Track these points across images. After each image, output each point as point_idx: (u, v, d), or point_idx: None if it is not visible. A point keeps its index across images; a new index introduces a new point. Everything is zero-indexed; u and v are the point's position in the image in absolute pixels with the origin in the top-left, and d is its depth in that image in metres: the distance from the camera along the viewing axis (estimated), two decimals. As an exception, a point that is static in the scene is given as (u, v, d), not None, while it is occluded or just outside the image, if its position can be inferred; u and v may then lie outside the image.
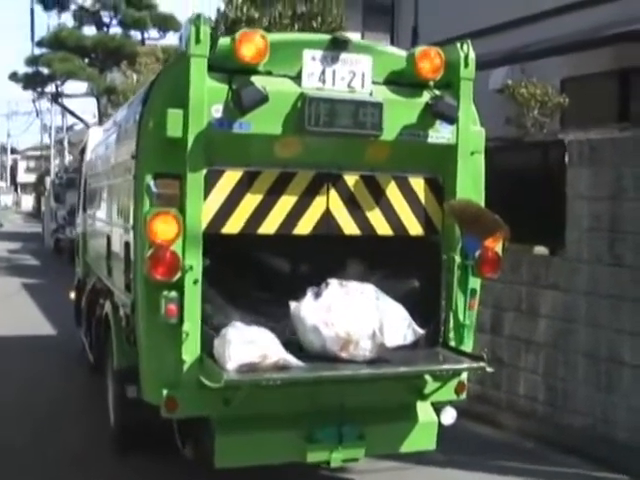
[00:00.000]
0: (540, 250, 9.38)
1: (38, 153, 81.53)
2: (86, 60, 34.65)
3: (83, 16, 35.43)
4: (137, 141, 6.32)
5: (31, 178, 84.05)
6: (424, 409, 6.86)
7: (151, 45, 32.44)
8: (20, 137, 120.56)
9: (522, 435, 9.11)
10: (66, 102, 41.92)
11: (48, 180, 44.89)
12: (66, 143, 56.56)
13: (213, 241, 6.06)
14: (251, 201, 6.24)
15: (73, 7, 35.65)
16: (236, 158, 6.19)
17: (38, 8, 36.79)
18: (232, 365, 5.71)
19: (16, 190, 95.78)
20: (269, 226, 6.30)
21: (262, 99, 5.85)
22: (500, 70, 13.82)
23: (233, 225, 6.21)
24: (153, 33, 35.94)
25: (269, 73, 6.14)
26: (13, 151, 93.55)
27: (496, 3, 14.97)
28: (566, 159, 8.93)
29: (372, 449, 6.59)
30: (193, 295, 5.96)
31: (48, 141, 66.61)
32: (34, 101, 45.35)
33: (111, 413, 8.23)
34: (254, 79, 5.95)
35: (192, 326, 5.96)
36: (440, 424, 6.86)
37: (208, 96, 5.91)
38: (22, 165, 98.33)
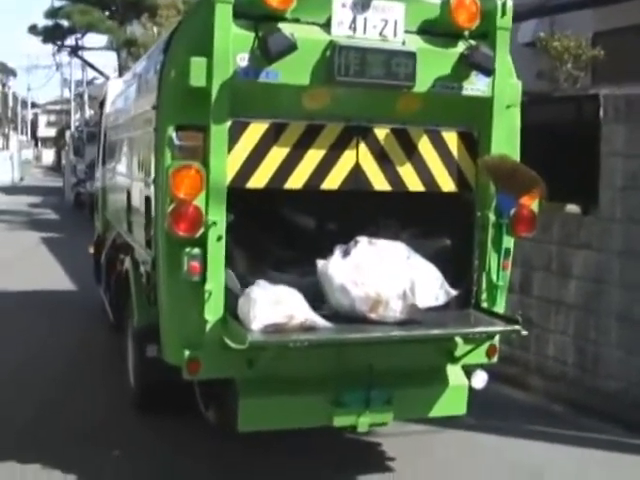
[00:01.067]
0: (572, 208, 9.12)
1: (58, 107, 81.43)
2: (106, 13, 34.37)
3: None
4: (158, 91, 6.07)
5: (51, 132, 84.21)
6: (454, 372, 6.66)
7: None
8: (40, 91, 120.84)
9: (551, 398, 8.97)
10: (86, 55, 41.85)
11: (68, 134, 44.84)
12: (86, 97, 56.34)
13: (238, 196, 5.83)
14: (277, 154, 6.00)
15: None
16: (262, 109, 5.94)
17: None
18: (257, 325, 5.51)
19: (36, 144, 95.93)
20: (296, 181, 6.05)
21: (290, 47, 5.58)
22: (529, 23, 13.52)
23: (258, 179, 5.97)
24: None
25: (297, 20, 5.87)
26: (33, 105, 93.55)
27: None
28: (601, 114, 8.63)
29: (400, 414, 6.42)
30: (217, 252, 5.75)
31: (68, 95, 66.44)
32: (54, 55, 45.07)
33: (131, 373, 8.10)
34: (281, 26, 5.67)
35: (215, 284, 5.74)
36: (471, 388, 6.66)
37: (233, 44, 5.65)
38: (42, 119, 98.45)
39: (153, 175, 6.27)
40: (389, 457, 7.13)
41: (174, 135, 5.77)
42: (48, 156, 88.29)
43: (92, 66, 41.62)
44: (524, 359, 9.54)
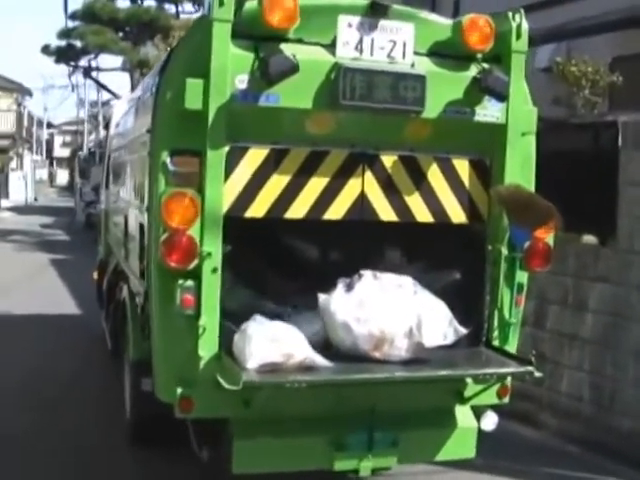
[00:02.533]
0: (589, 239, 8.80)
1: (74, 128, 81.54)
2: (120, 33, 34.33)
3: (117, -12, 35.06)
4: (153, 114, 5.79)
5: (66, 152, 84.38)
6: (463, 414, 6.33)
7: (185, 19, 32.06)
8: (56, 111, 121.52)
9: (565, 437, 8.61)
10: (101, 76, 41.89)
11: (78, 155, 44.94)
12: (101, 118, 56.37)
13: (235, 225, 5.52)
14: (278, 182, 5.70)
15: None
16: (262, 134, 5.64)
17: (72, -21, 36.61)
18: (253, 364, 5.20)
19: (51, 164, 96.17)
20: (297, 210, 5.75)
21: (292, 68, 5.28)
22: (545, 48, 13.25)
23: (257, 208, 5.67)
24: (188, 7, 35.51)
25: (300, 41, 5.58)
26: (49, 125, 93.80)
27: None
28: (619, 142, 8.34)
29: (405, 457, 6.10)
30: (211, 285, 5.44)
31: (84, 115, 66.56)
32: (70, 75, 45.08)
33: (127, 404, 7.80)
34: (283, 47, 5.40)
35: (210, 319, 5.44)
36: (480, 430, 6.34)
37: (232, 65, 5.36)
38: (58, 139, 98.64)
39: (147, 202, 6.00)
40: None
41: (168, 160, 5.49)
42: (63, 176, 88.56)
43: (104, 87, 41.59)
44: (536, 395, 9.19)
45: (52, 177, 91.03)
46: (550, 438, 8.68)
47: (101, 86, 43.00)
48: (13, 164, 59.67)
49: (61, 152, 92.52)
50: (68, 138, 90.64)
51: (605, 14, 12.09)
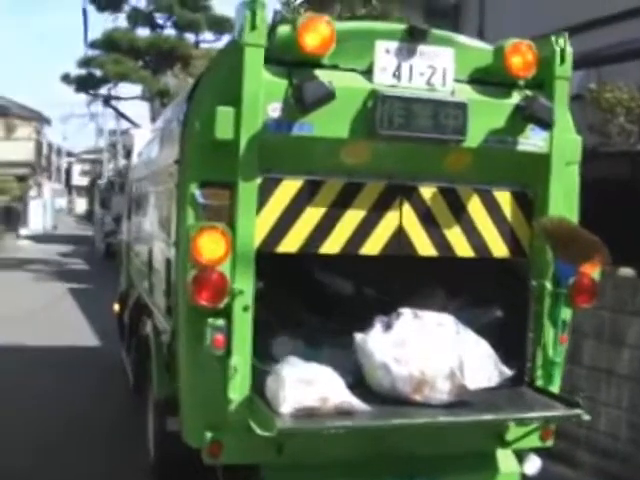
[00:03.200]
0: (626, 272, 8.49)
1: (93, 156, 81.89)
2: (139, 62, 34.39)
3: (137, 17, 35.08)
4: (181, 144, 5.54)
5: (85, 181, 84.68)
6: (506, 458, 6.04)
7: (205, 48, 32.10)
8: (75, 140, 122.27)
9: (602, 477, 8.25)
10: (120, 105, 41.93)
11: (98, 185, 45.12)
12: (119, 147, 56.49)
13: (267, 261, 5.25)
14: (312, 215, 5.42)
15: (126, 8, 35.35)
16: (295, 165, 5.37)
17: (91, 9, 36.73)
18: (287, 408, 4.93)
19: (70, 193, 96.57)
20: (332, 245, 5.47)
21: (327, 96, 5.01)
22: (576, 75, 12.99)
23: (291, 243, 5.40)
24: (208, 36, 35.60)
25: (335, 67, 5.33)
26: (68, 154, 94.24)
27: (565, 3, 14.11)
28: (658, 171, 8.07)
29: None
30: (243, 324, 5.16)
31: (102, 144, 66.76)
32: (88, 104, 45.26)
33: (150, 445, 7.49)
34: (318, 73, 5.13)
35: (241, 360, 5.14)
36: (523, 474, 6.07)
37: (264, 92, 5.10)
38: (77, 168, 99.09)
39: (174, 236, 5.73)
40: None
41: (197, 192, 5.22)
42: (81, 205, 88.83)
43: (124, 116, 41.63)
44: (572, 433, 8.87)
45: (71, 205, 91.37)
46: (587, 477, 8.34)
47: (120, 115, 43.10)
48: (32, 192, 59.81)
49: (80, 181, 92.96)
50: (87, 167, 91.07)
51: (633, 41, 11.88)
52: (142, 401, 8.20)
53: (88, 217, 68.30)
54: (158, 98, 31.50)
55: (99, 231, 36.44)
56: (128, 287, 11.20)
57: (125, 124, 49.95)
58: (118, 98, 39.02)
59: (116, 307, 12.33)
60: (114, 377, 11.43)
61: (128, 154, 12.49)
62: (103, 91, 37.35)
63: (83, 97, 41.94)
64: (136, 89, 37.66)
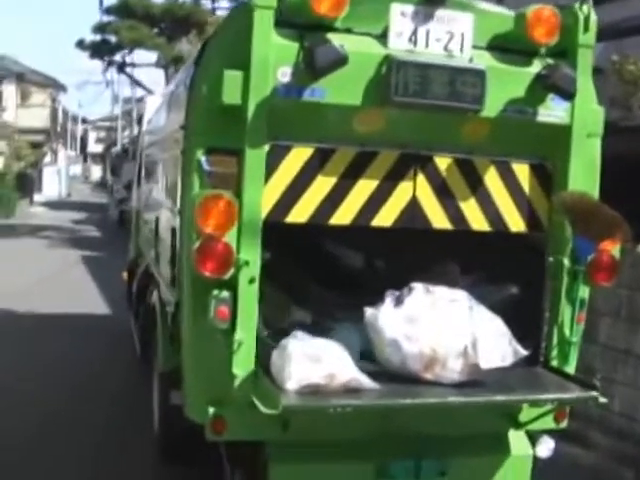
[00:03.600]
0: (645, 249, 8.30)
1: (108, 124, 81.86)
2: (154, 29, 34.16)
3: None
4: (187, 109, 5.36)
5: (100, 148, 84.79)
6: (518, 440, 5.87)
7: (221, 15, 31.80)
8: (91, 107, 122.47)
9: (618, 459, 8.07)
10: (135, 72, 41.78)
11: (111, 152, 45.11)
12: (134, 114, 56.39)
13: (275, 232, 5.07)
14: (322, 185, 5.23)
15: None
16: (306, 132, 5.18)
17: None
18: (292, 385, 4.76)
19: (85, 160, 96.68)
20: (343, 216, 5.28)
21: (340, 60, 4.81)
22: (597, 47, 12.75)
23: (300, 213, 5.21)
24: (223, 2, 35.28)
25: (348, 30, 5.12)
26: (84, 121, 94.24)
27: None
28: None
29: None
30: (248, 296, 4.98)
31: (118, 112, 66.68)
32: (104, 71, 45.09)
33: (155, 418, 7.39)
34: (330, 36, 4.91)
35: (246, 333, 4.98)
36: (535, 457, 5.89)
37: (274, 56, 4.90)
38: (92, 135, 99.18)
39: (179, 204, 5.56)
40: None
41: (203, 159, 5.03)
42: (96, 172, 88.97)
43: (139, 83, 41.54)
44: (585, 412, 8.70)
45: (87, 173, 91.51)
46: (602, 460, 8.18)
47: (135, 82, 42.99)
48: (47, 159, 59.85)
49: (95, 148, 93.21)
50: (102, 134, 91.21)
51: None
52: (148, 371, 8.11)
53: (102, 185, 68.38)
54: (173, 65, 31.30)
55: (112, 198, 36.40)
56: (137, 255, 11.12)
57: (140, 91, 49.91)
58: (133, 65, 38.95)
59: (125, 275, 12.25)
60: (123, 345, 11.39)
61: (139, 120, 12.32)
62: (118, 58, 37.26)
63: (99, 64, 41.59)
64: (151, 56, 37.62)
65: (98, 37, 35.33)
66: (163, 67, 34.70)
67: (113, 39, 34.61)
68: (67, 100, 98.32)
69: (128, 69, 39.34)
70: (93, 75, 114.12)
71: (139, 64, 39.12)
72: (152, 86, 40.16)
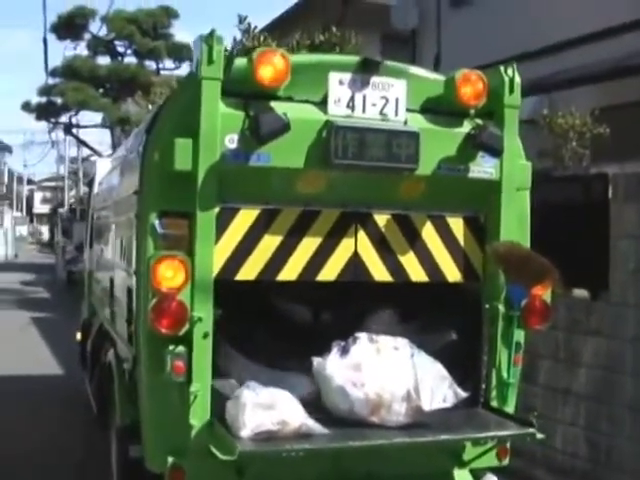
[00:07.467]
0: (580, 293, 8.63)
1: (54, 184, 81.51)
2: (100, 90, 34.27)
3: (97, 45, 35.01)
4: (140, 175, 5.62)
5: (47, 209, 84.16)
6: (463, 477, 6.11)
7: (166, 75, 32.02)
8: (36, 167, 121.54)
9: (561, 495, 8.34)
10: (82, 133, 41.77)
11: (59, 213, 44.81)
12: (81, 174, 56.23)
13: (226, 289, 5.34)
14: (269, 243, 5.54)
15: (87, 36, 35.19)
16: (252, 194, 5.50)
17: (51, 37, 36.67)
18: (247, 432, 5.01)
19: (32, 221, 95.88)
20: (290, 272, 5.59)
21: (283, 127, 5.15)
22: (528, 100, 13.19)
23: (249, 271, 5.50)
24: (168, 63, 35.55)
25: (290, 98, 5.47)
26: (29, 182, 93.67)
27: (519, 31, 14.45)
28: (609, 194, 8.19)
29: None
30: (203, 350, 5.25)
31: (64, 172, 66.44)
32: (50, 132, 45.06)
33: (114, 472, 7.50)
34: (274, 105, 5.27)
35: (201, 385, 5.24)
36: (480, 493, 6.13)
37: (222, 124, 5.23)
38: (38, 196, 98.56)
39: (135, 265, 5.80)
40: None
41: (157, 222, 5.32)
42: (43, 233, 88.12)
43: (85, 144, 41.46)
44: (529, 451, 8.98)
45: (37, 234, 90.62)
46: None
47: (81, 142, 42.92)
48: (-7, 221, 59.35)
49: (41, 208, 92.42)
50: (48, 194, 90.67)
51: (583, 67, 12.12)
52: (105, 429, 8.21)
53: (50, 245, 67.83)
54: (119, 125, 31.39)
55: (61, 259, 36.21)
56: (90, 315, 11.18)
57: (86, 151, 49.89)
58: (79, 126, 38.86)
59: (78, 335, 12.28)
60: (76, 404, 11.41)
61: (90, 182, 12.46)
62: (64, 119, 37.20)
63: (44, 124, 41.61)
64: (97, 117, 37.62)
65: (44, 99, 35.36)
66: (109, 127, 34.76)
67: (59, 100, 34.62)
68: (12, 161, 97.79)
69: (74, 130, 39.40)
70: (38, 135, 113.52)
71: (85, 125, 39.16)
72: (98, 146, 40.25)
